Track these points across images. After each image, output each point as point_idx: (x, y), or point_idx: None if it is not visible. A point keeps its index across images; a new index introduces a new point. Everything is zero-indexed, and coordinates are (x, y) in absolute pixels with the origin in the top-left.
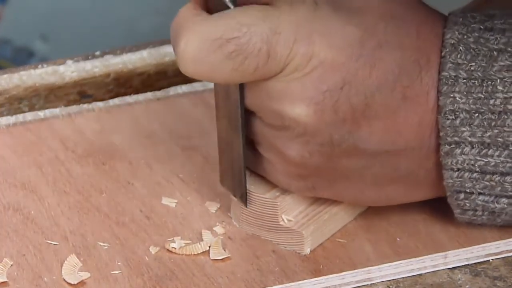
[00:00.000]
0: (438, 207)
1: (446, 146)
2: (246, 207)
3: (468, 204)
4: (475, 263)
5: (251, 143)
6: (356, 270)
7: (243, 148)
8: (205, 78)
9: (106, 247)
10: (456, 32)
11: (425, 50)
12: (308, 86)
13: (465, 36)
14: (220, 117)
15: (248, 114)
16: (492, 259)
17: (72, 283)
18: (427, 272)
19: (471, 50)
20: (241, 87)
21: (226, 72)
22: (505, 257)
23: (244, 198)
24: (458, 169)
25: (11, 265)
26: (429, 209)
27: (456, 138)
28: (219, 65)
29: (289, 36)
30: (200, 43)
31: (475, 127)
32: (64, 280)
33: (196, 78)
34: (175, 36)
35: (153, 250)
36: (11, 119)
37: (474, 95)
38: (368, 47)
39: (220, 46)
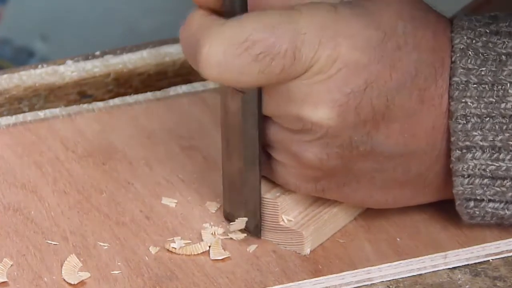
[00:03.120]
0: (439, 207)
1: (457, 151)
2: (260, 238)
3: (477, 212)
4: (475, 263)
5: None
6: (356, 270)
7: (259, 183)
8: (230, 82)
9: (106, 247)
10: (465, 37)
11: (440, 53)
12: (332, 88)
13: (474, 41)
14: (231, 154)
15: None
16: (492, 259)
17: (72, 283)
18: (427, 272)
19: (480, 55)
20: (260, 120)
21: (253, 75)
22: (505, 257)
23: (258, 229)
24: (469, 175)
25: (11, 265)
26: (429, 209)
27: (467, 143)
28: (246, 68)
29: (314, 38)
30: (226, 46)
31: (487, 131)
32: (64, 280)
33: (221, 82)
34: (195, 42)
35: (153, 250)
36: (11, 119)
37: (485, 100)
38: (388, 48)
39: (246, 48)
